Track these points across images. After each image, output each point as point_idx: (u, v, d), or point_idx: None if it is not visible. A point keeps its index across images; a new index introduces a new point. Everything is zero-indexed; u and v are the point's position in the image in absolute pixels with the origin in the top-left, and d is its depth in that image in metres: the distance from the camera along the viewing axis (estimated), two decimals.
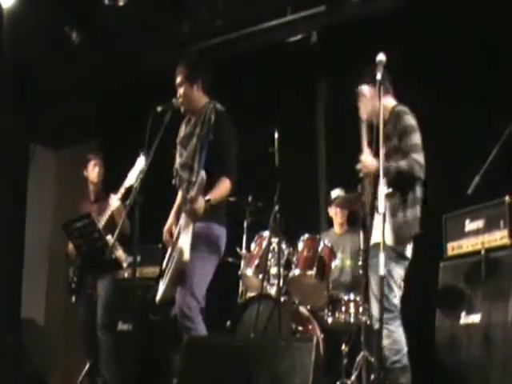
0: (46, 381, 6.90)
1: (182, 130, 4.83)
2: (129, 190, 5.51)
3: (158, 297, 4.59)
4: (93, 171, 6.42)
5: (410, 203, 4.44)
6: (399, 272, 4.43)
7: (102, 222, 5.74)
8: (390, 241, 4.36)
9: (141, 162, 5.13)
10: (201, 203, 4.25)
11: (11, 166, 8.51)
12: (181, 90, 4.71)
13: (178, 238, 4.47)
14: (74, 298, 6.06)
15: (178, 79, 4.73)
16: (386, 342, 4.29)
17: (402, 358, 4.35)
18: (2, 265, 8.35)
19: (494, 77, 5.69)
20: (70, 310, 6.78)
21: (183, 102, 4.71)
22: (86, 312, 6.00)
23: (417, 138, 4.44)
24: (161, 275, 4.69)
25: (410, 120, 4.50)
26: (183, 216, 4.43)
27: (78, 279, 6.02)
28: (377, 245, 4.31)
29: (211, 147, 4.51)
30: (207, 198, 4.30)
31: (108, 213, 5.80)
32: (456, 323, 4.91)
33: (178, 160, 4.76)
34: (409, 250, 4.48)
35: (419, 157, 4.37)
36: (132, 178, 5.42)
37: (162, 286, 4.59)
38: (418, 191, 4.48)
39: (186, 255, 4.28)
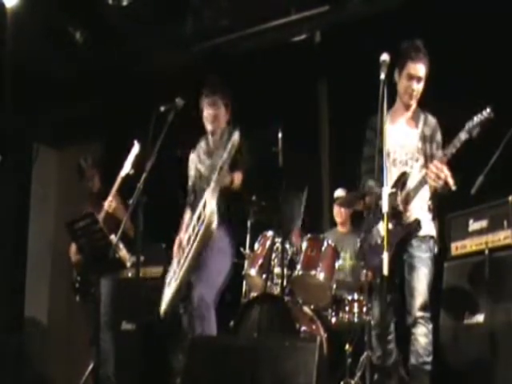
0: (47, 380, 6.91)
1: (207, 144, 4.98)
2: (125, 179, 5.55)
3: (164, 306, 4.69)
4: (91, 184, 6.44)
5: None
6: None
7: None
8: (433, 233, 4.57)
9: (135, 150, 5.26)
10: (227, 175, 4.59)
11: (15, 166, 8.52)
12: (216, 111, 4.92)
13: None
14: (78, 298, 6.07)
15: (220, 103, 4.93)
16: (423, 340, 4.38)
17: (430, 363, 4.41)
18: (6, 264, 8.37)
19: (497, 76, 5.68)
20: (74, 309, 6.79)
21: (216, 123, 4.95)
22: (91, 311, 6.00)
23: None
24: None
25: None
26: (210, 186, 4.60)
27: (81, 278, 6.03)
28: (424, 238, 4.49)
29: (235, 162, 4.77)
30: (225, 156, 4.55)
31: (101, 215, 5.79)
32: (460, 323, 4.90)
33: (201, 168, 4.86)
34: None
35: None
36: (128, 165, 5.48)
37: (169, 290, 4.67)
38: None
39: (215, 224, 4.50)
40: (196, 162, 4.99)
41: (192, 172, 5.02)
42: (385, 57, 4.20)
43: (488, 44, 5.78)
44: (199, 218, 4.60)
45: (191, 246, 4.59)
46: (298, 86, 7.04)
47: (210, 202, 4.49)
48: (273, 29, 7.05)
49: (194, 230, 4.62)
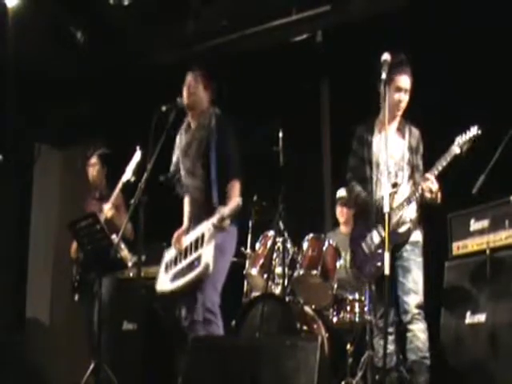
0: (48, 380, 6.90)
1: (183, 138, 4.87)
2: (126, 184, 5.56)
3: (160, 287, 4.73)
4: (92, 172, 6.44)
5: None
6: None
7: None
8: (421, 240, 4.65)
9: (137, 157, 5.30)
10: (228, 221, 4.48)
11: (17, 165, 8.52)
12: (195, 84, 4.80)
13: (194, 246, 4.62)
14: (76, 297, 6.06)
15: (199, 79, 4.83)
16: (422, 336, 4.47)
17: (429, 358, 4.49)
18: (8, 264, 8.36)
19: (499, 74, 5.67)
20: (75, 309, 6.78)
21: (192, 97, 4.80)
22: (91, 311, 6.00)
23: None
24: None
25: None
26: (206, 227, 4.53)
27: (81, 278, 6.02)
28: (416, 243, 4.61)
29: (216, 150, 4.67)
30: (228, 212, 4.45)
31: (101, 219, 5.78)
32: (461, 323, 4.90)
33: (181, 167, 4.83)
34: None
35: None
36: (129, 172, 5.50)
37: (166, 279, 4.67)
38: None
39: (211, 269, 4.45)
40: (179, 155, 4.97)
41: (175, 158, 5.00)
42: (386, 56, 4.21)
43: (490, 44, 5.78)
44: (196, 245, 4.61)
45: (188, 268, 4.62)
46: (300, 85, 7.05)
47: (207, 248, 4.50)
48: (274, 29, 7.04)
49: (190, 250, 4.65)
